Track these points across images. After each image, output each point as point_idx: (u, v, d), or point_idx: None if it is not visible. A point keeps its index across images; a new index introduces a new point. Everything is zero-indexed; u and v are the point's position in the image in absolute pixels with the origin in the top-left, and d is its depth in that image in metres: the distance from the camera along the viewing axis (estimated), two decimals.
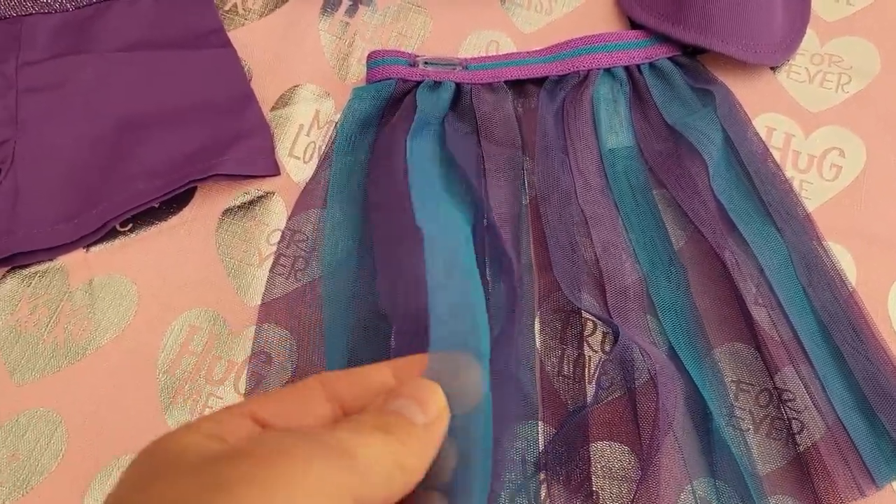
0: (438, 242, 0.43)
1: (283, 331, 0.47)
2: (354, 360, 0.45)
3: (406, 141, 0.48)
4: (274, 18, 0.58)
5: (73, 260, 0.49)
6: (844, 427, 0.43)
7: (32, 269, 0.49)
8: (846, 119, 0.54)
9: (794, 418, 0.44)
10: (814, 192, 0.52)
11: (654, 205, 0.51)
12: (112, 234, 0.50)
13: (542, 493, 0.43)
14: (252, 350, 0.46)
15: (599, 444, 0.44)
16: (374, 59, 0.53)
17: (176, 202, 0.51)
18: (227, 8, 0.58)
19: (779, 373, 0.45)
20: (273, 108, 0.54)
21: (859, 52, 0.57)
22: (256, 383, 0.45)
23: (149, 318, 0.47)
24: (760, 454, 0.44)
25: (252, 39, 0.56)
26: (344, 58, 0.56)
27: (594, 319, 0.47)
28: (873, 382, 0.44)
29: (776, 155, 0.52)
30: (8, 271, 0.49)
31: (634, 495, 0.42)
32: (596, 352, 0.47)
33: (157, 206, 0.50)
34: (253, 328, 0.47)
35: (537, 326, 0.47)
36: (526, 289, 0.48)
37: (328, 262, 0.48)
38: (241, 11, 0.58)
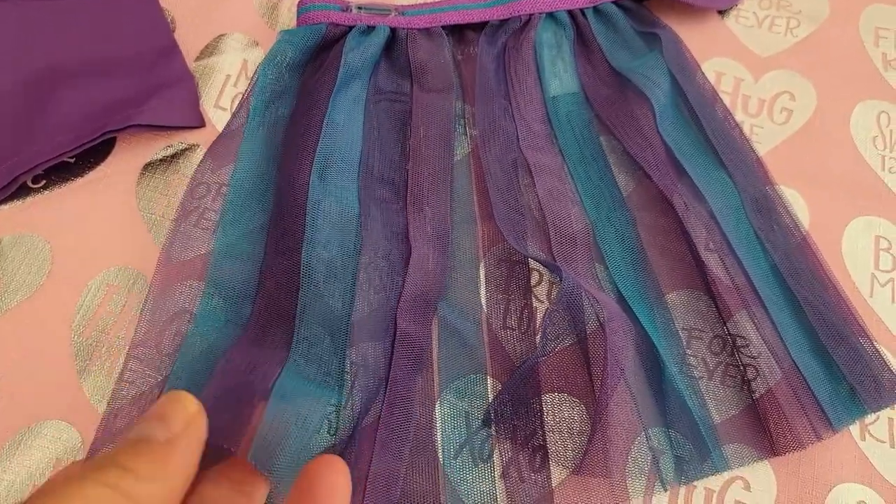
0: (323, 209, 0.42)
1: (201, 284, 0.43)
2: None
3: (329, 86, 0.46)
4: None
5: None
6: (800, 371, 0.41)
7: None
8: (796, 63, 0.53)
9: (748, 364, 0.42)
10: (764, 136, 0.50)
11: (601, 151, 0.48)
12: (23, 191, 0.46)
13: (489, 448, 0.41)
14: (174, 308, 0.43)
15: (549, 396, 0.41)
16: (305, 5, 0.51)
17: (94, 156, 0.47)
18: None
19: (732, 318, 0.43)
20: (198, 59, 0.51)
21: None
22: (181, 339, 0.42)
23: (63, 277, 0.44)
24: (715, 402, 0.42)
25: None
26: (274, 6, 0.53)
27: (540, 269, 0.45)
28: (829, 326, 0.43)
29: (726, 99, 0.51)
30: None
31: (586, 447, 0.40)
32: (542, 302, 0.44)
33: (72, 160, 0.47)
34: (176, 286, 0.43)
35: (482, 277, 0.45)
36: (468, 239, 0.46)
37: (225, 216, 0.45)
38: None
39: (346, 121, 0.47)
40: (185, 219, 0.45)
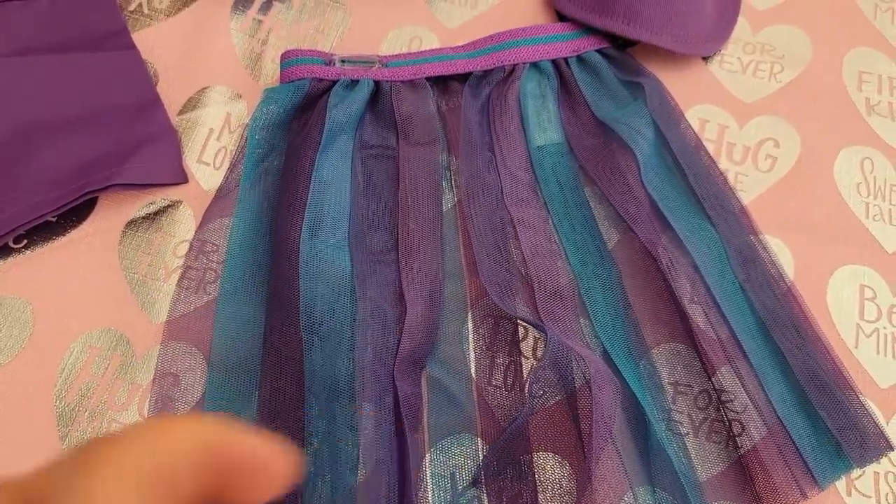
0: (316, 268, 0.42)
1: (192, 348, 0.43)
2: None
3: (315, 144, 0.46)
4: (182, 18, 0.54)
5: None
6: (785, 427, 0.41)
7: None
8: (780, 108, 0.53)
9: (733, 420, 0.42)
10: (749, 184, 0.50)
11: (585, 203, 0.48)
12: (5, 252, 0.46)
13: None
14: (156, 371, 0.43)
15: (538, 455, 0.41)
16: (288, 59, 0.51)
17: (75, 215, 0.47)
18: (131, 8, 0.54)
19: (717, 373, 0.43)
20: (181, 113, 0.51)
21: (791, 40, 0.55)
22: (163, 406, 0.42)
23: (45, 340, 0.44)
24: (700, 458, 0.42)
25: (158, 41, 0.53)
26: (257, 58, 0.53)
27: (526, 325, 0.45)
28: (814, 379, 0.43)
29: (710, 147, 0.51)
30: None
31: None
32: (528, 358, 0.44)
33: (54, 219, 0.47)
34: (159, 348, 0.43)
35: (470, 331, 0.45)
36: (455, 292, 0.46)
37: (225, 285, 0.45)
38: (146, 11, 0.54)
39: (334, 177, 0.47)
40: (180, 281, 0.45)
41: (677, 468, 0.41)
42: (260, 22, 0.54)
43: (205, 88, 0.52)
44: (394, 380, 0.41)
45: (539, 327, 0.43)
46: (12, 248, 0.46)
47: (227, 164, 0.49)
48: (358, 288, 0.44)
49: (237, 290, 0.44)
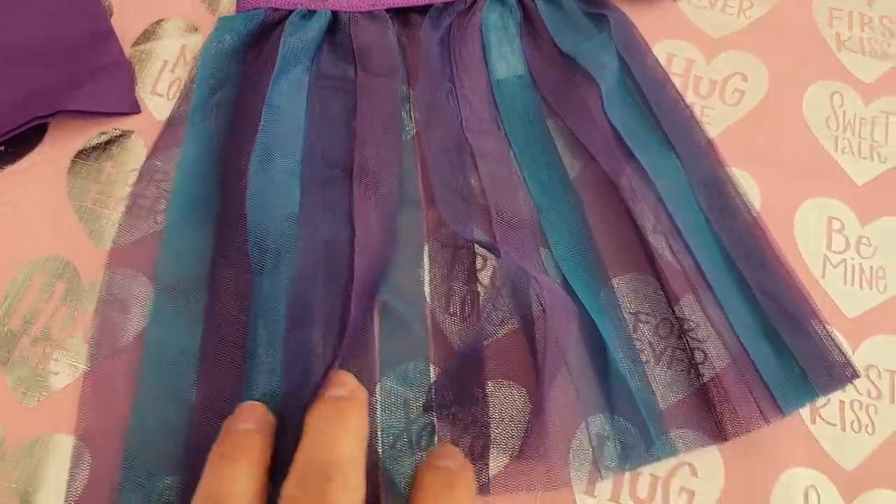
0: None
1: (141, 276, 0.42)
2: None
3: (268, 72, 0.45)
4: None
5: None
6: (749, 355, 0.40)
7: None
8: (748, 44, 0.52)
9: (696, 348, 0.41)
10: (716, 117, 0.49)
11: (547, 134, 0.47)
12: None
13: (428, 436, 0.39)
14: (101, 297, 0.41)
15: (493, 383, 0.40)
16: None
17: (23, 144, 0.46)
18: None
19: (679, 302, 0.42)
20: (135, 44, 0.50)
21: None
22: (108, 331, 0.41)
23: None
24: (661, 387, 0.41)
25: None
26: None
27: (486, 254, 0.44)
28: (779, 308, 0.42)
29: (676, 81, 0.50)
30: None
31: (525, 434, 0.39)
32: (486, 287, 0.43)
33: (1, 148, 0.46)
34: (104, 274, 0.42)
35: (426, 262, 0.44)
36: (413, 223, 0.45)
37: (172, 212, 0.44)
38: None
39: (288, 105, 0.46)
40: (129, 209, 0.44)
41: (636, 395, 0.40)
42: None
43: (160, 21, 0.51)
44: (345, 305, 0.40)
45: (497, 251, 0.42)
46: None
47: (179, 96, 0.48)
48: (309, 215, 0.43)
49: (185, 218, 0.43)
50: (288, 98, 0.46)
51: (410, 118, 0.48)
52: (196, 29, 0.51)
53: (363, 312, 0.41)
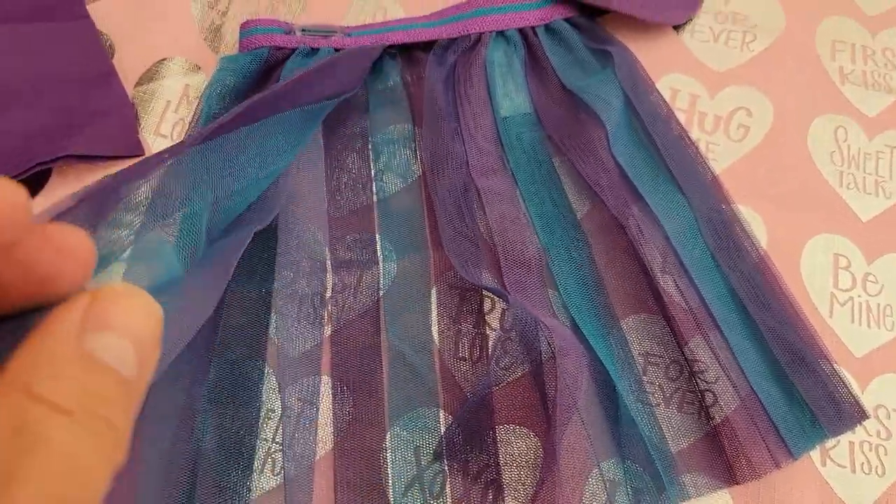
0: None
1: None
2: None
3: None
4: None
5: None
6: (759, 397, 0.40)
7: None
8: (752, 78, 0.52)
9: (705, 390, 0.41)
10: (721, 153, 0.49)
11: (554, 173, 0.47)
12: None
13: (440, 483, 0.39)
14: None
15: (503, 428, 0.40)
16: (247, 28, 0.49)
17: (29, 188, 0.45)
18: None
19: (689, 343, 0.42)
20: (137, 85, 0.49)
21: (763, 9, 0.54)
22: None
23: None
24: (672, 430, 0.41)
25: (113, 10, 0.52)
26: (216, 29, 0.52)
27: (493, 296, 0.44)
28: (788, 349, 0.42)
29: (681, 117, 0.50)
30: None
31: (539, 481, 0.38)
32: (495, 330, 0.43)
33: None
34: None
35: (434, 307, 0.43)
36: (420, 266, 0.45)
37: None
38: None
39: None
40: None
41: (647, 440, 0.39)
42: None
43: (162, 60, 0.51)
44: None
45: (505, 297, 0.42)
46: None
47: (183, 136, 0.47)
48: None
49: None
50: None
51: (416, 158, 0.48)
52: (199, 68, 0.50)
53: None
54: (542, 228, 0.45)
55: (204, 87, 0.49)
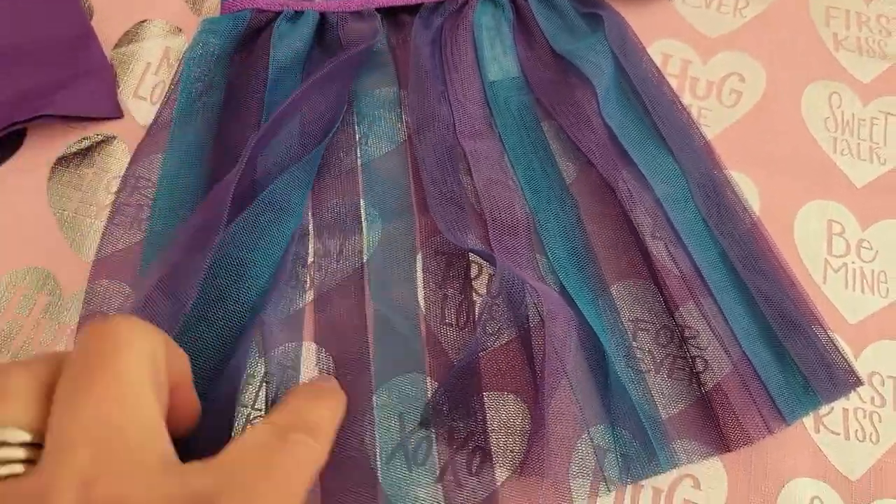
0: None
1: (125, 287, 0.41)
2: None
3: (263, 92, 0.44)
4: None
5: None
6: (751, 363, 0.39)
7: None
8: (745, 43, 0.51)
9: (697, 356, 0.40)
10: (713, 119, 0.48)
11: (542, 137, 0.46)
12: None
13: (425, 451, 0.38)
14: (84, 310, 0.40)
15: (491, 395, 0.39)
16: None
17: (1, 150, 0.44)
18: None
19: (679, 309, 0.41)
20: (116, 46, 0.48)
21: None
22: None
23: None
24: (662, 396, 0.40)
25: None
26: None
27: (480, 261, 0.43)
28: (782, 315, 0.41)
29: (673, 82, 0.49)
30: None
31: (527, 447, 0.38)
32: (482, 296, 0.42)
33: None
34: (86, 286, 0.41)
35: (419, 272, 0.43)
36: (405, 230, 0.44)
37: (154, 221, 0.42)
38: None
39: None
40: (112, 218, 0.42)
41: (637, 406, 0.39)
42: None
43: (142, 22, 0.49)
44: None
45: (492, 260, 0.41)
46: None
47: (163, 100, 0.46)
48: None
49: (167, 228, 0.42)
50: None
51: (401, 121, 0.47)
52: (180, 30, 0.49)
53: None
54: (531, 192, 0.44)
55: (184, 48, 0.48)
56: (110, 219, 0.42)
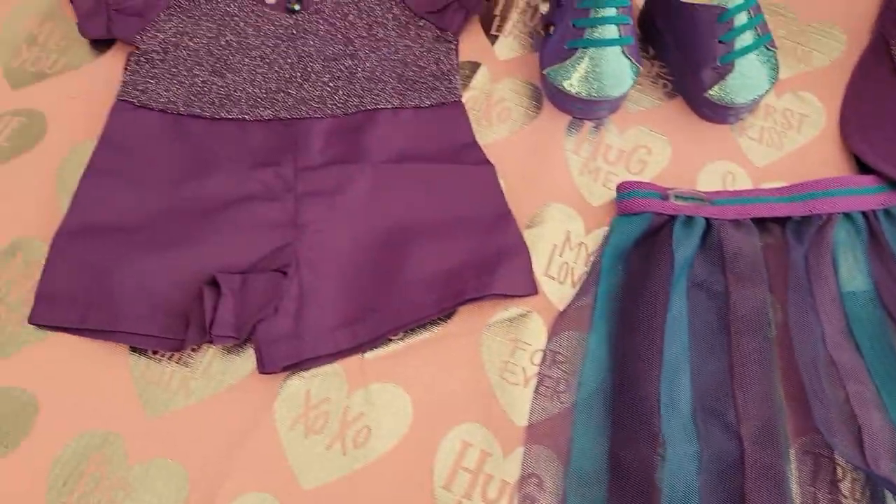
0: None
1: (551, 453, 0.49)
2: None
3: (667, 282, 0.52)
4: (523, 135, 0.61)
5: (350, 365, 0.52)
6: None
7: (313, 372, 0.51)
8: None
9: None
10: None
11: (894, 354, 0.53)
12: (383, 339, 0.52)
13: None
14: (522, 472, 0.48)
15: None
16: (625, 190, 0.56)
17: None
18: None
19: None
20: (527, 227, 0.57)
21: None
22: None
23: (423, 429, 0.50)
24: None
25: (501, 155, 0.59)
26: (589, 178, 0.59)
27: (843, 463, 0.49)
28: None
29: None
30: (293, 372, 0.51)
31: None
32: (847, 498, 0.48)
33: None
34: (521, 449, 0.49)
35: (793, 470, 0.49)
36: (778, 427, 0.50)
37: (582, 396, 0.51)
38: (491, 124, 0.61)
39: (676, 315, 0.53)
40: (538, 390, 0.51)
41: None
42: (590, 144, 0.60)
43: (544, 205, 0.58)
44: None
45: (868, 472, 0.47)
46: (389, 339, 0.53)
47: (569, 280, 0.55)
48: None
49: (592, 404, 0.50)
50: (676, 308, 0.52)
51: (771, 322, 0.53)
52: (578, 215, 0.57)
53: None
54: (890, 403, 0.51)
55: (581, 233, 0.57)
56: (536, 389, 0.51)
